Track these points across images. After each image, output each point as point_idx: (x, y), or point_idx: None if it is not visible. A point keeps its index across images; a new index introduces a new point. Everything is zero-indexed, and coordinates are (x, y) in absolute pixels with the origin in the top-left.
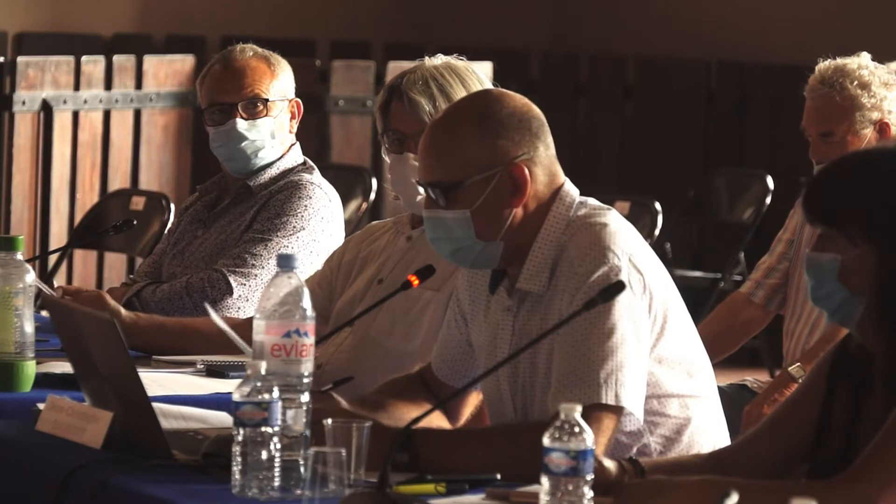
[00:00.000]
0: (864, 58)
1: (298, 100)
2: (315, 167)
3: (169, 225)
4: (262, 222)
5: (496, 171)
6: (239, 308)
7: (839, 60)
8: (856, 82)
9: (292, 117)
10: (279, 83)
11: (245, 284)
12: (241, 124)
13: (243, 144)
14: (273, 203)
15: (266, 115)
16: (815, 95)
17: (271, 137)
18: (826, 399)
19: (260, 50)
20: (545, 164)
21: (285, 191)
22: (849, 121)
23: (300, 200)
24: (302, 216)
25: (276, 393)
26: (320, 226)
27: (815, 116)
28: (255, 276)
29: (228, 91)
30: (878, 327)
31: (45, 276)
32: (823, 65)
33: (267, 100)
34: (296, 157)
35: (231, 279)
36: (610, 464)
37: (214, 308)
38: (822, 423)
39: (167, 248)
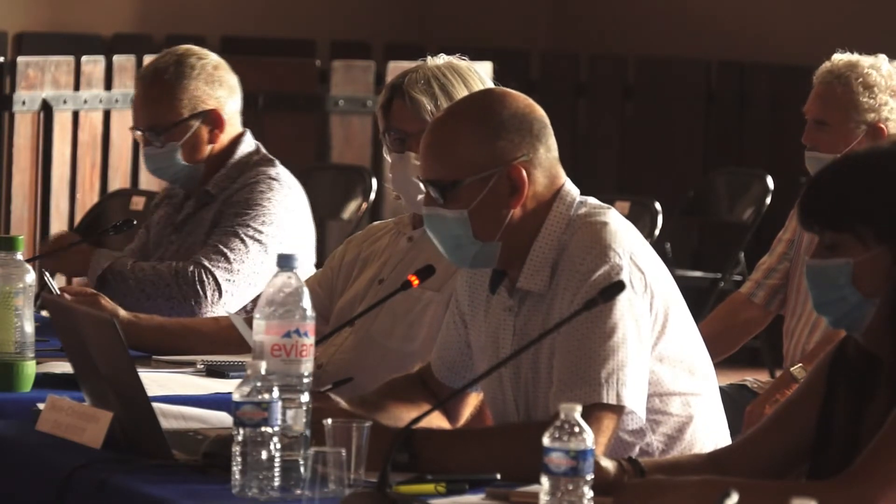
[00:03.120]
0: (881, 60)
1: (217, 108)
2: (274, 158)
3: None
4: (230, 217)
5: (494, 172)
6: (225, 303)
7: (855, 56)
8: (860, 79)
9: (215, 127)
10: (183, 99)
11: (230, 280)
12: (149, 151)
13: (158, 168)
14: (237, 199)
15: (170, 140)
16: (820, 82)
17: (180, 160)
18: (826, 399)
19: (163, 65)
20: (545, 166)
21: (246, 187)
22: (844, 115)
23: (262, 193)
24: (267, 207)
25: (276, 393)
26: (286, 216)
27: (814, 102)
28: (238, 270)
29: (137, 118)
30: (891, 329)
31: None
32: (838, 56)
33: (162, 128)
34: (246, 147)
35: (218, 276)
36: (609, 464)
37: (200, 303)
38: (823, 423)
39: (148, 244)
